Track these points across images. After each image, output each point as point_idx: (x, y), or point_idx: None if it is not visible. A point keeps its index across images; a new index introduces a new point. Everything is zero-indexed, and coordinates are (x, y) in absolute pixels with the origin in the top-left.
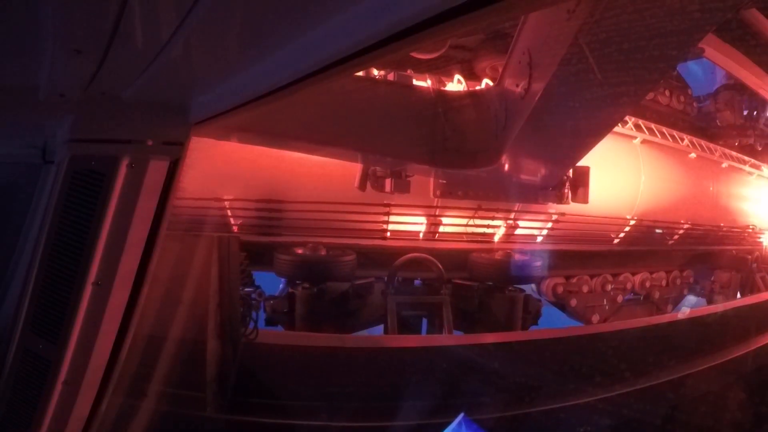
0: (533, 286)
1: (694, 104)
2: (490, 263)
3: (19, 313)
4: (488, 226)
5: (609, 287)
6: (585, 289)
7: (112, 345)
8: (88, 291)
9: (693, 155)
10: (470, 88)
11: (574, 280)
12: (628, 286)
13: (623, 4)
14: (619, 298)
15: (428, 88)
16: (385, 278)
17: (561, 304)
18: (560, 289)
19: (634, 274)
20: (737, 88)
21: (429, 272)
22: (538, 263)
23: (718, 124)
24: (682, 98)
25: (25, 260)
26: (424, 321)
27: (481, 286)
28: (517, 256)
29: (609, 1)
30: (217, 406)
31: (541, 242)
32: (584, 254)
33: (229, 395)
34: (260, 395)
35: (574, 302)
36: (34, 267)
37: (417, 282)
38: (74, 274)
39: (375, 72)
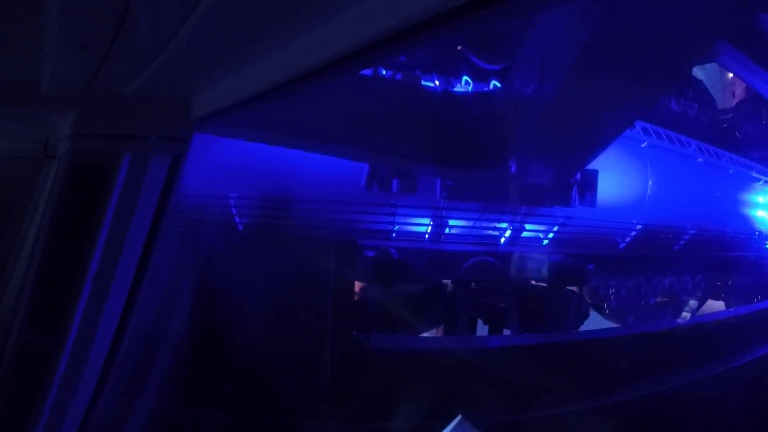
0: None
1: (720, 117)
2: (547, 266)
3: (20, 306)
4: (495, 228)
5: (643, 290)
6: (623, 291)
7: (111, 339)
8: (88, 285)
9: (700, 160)
10: (478, 89)
11: (612, 283)
12: (659, 289)
13: (638, 6)
14: (652, 301)
15: (436, 88)
16: (451, 281)
17: (599, 306)
18: (602, 291)
19: (663, 278)
20: (757, 101)
21: (491, 275)
22: (591, 266)
23: (738, 136)
24: (708, 111)
25: (26, 254)
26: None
27: (539, 288)
28: (572, 260)
29: (624, 3)
30: (337, 412)
31: (548, 245)
32: (619, 258)
33: (348, 402)
34: (380, 401)
35: (614, 304)
36: (35, 260)
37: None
38: (75, 268)
39: (383, 71)
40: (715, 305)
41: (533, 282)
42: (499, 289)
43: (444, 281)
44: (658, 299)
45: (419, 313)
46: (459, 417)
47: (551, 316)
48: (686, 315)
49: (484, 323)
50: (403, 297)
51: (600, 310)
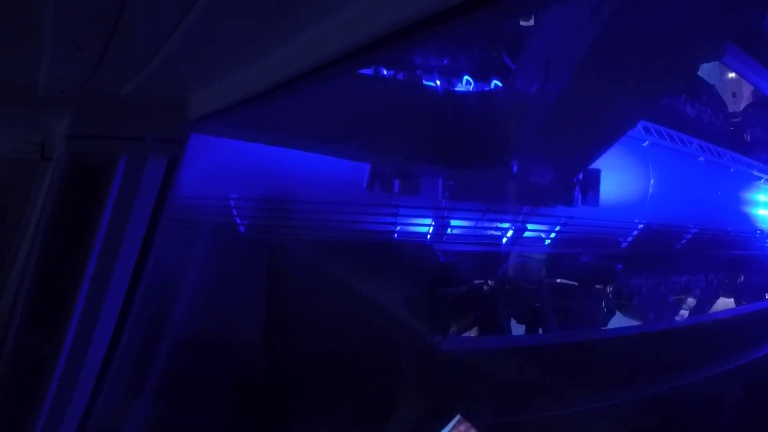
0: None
1: (731, 120)
2: (580, 265)
3: (17, 309)
4: (497, 228)
5: (662, 288)
6: (644, 289)
7: (109, 341)
8: (85, 286)
9: (702, 159)
10: (479, 89)
11: (633, 281)
12: (677, 287)
13: (645, 5)
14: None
15: (437, 88)
16: (489, 282)
17: (622, 304)
18: (625, 290)
19: (680, 277)
20: (765, 104)
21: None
22: (620, 266)
23: (747, 139)
24: (720, 116)
25: (23, 256)
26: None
27: (571, 287)
28: (602, 260)
29: (630, 2)
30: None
31: (550, 245)
32: (640, 257)
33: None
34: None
35: (636, 301)
36: (32, 262)
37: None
38: (72, 269)
39: (384, 71)
40: (721, 303)
41: (565, 281)
42: (535, 289)
43: (477, 282)
44: (675, 297)
45: (458, 314)
46: (457, 417)
47: (585, 315)
48: (684, 313)
49: (518, 323)
50: (443, 299)
51: (621, 308)
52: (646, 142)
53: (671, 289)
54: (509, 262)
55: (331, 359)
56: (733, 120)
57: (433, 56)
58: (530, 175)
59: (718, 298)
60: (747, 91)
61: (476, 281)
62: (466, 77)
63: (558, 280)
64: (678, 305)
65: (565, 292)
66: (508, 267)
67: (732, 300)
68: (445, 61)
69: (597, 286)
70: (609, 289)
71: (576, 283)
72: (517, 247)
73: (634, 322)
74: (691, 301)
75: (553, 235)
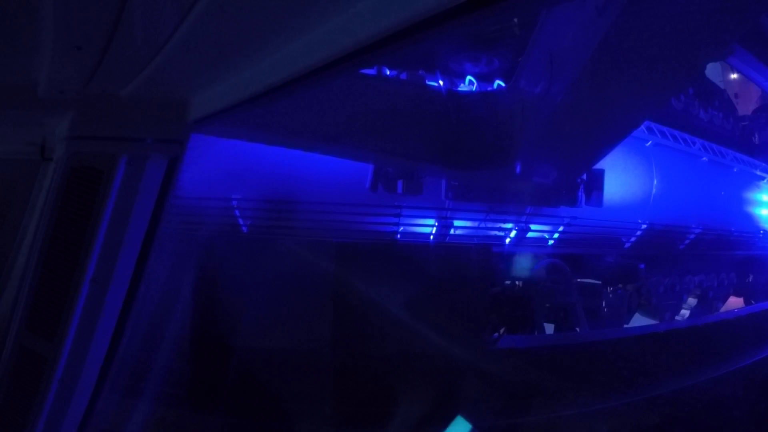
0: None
1: (741, 124)
2: (604, 265)
3: (17, 310)
4: (500, 228)
5: (677, 288)
6: (661, 289)
7: (109, 343)
8: (85, 288)
9: (705, 159)
10: (483, 89)
11: (651, 280)
12: (691, 286)
13: (651, 4)
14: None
15: (441, 88)
16: (517, 282)
17: (641, 303)
18: (644, 289)
19: (694, 276)
20: None
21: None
22: (642, 265)
23: (756, 141)
24: (731, 119)
25: (22, 257)
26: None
27: (597, 286)
28: (625, 260)
29: (639, 1)
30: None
31: (554, 245)
32: (656, 257)
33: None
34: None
35: (654, 300)
36: (32, 263)
37: None
38: (72, 270)
39: (387, 71)
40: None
41: (590, 281)
42: (565, 288)
43: (508, 282)
44: (689, 297)
45: (498, 312)
46: (458, 418)
47: (612, 313)
48: (685, 313)
49: (547, 322)
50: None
51: (639, 307)
52: (649, 142)
53: (686, 288)
54: (540, 262)
55: (349, 362)
56: (742, 123)
57: (470, 61)
58: (534, 175)
59: (728, 297)
60: (750, 92)
61: (506, 282)
62: (469, 77)
63: (578, 279)
64: (692, 304)
65: (591, 291)
66: (537, 267)
67: (741, 300)
68: (484, 68)
69: (620, 285)
70: (631, 288)
71: (600, 282)
72: (522, 247)
73: (650, 321)
74: (692, 300)
75: (556, 235)
